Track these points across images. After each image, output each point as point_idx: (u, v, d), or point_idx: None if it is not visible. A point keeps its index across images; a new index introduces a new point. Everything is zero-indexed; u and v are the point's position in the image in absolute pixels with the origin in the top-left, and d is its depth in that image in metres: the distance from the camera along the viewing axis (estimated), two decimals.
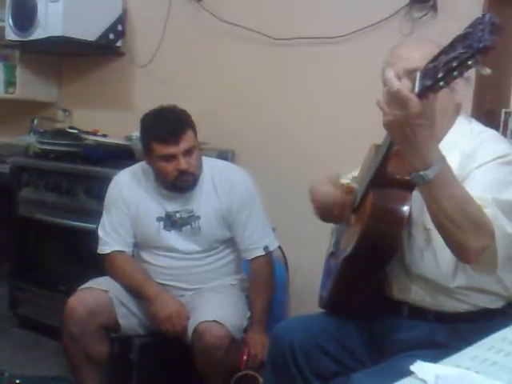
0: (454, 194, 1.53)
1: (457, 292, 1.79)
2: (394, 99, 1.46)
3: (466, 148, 1.76)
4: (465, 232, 1.54)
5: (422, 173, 1.51)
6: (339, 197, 1.98)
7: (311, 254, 2.83)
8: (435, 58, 1.37)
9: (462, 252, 1.60)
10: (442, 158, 1.52)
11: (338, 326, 1.98)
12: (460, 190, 1.56)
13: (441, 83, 1.36)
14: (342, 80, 3.12)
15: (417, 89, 1.43)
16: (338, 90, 3.14)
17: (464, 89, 1.79)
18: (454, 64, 1.31)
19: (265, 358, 2.23)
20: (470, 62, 1.28)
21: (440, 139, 1.78)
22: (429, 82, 1.39)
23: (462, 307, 1.81)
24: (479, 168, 1.69)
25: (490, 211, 1.58)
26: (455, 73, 1.32)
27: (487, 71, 1.39)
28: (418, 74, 1.43)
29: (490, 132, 1.85)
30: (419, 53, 1.74)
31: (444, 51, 1.34)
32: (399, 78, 1.48)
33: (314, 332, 1.97)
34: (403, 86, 1.45)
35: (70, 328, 2.53)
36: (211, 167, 2.73)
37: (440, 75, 1.35)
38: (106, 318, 2.58)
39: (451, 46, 1.32)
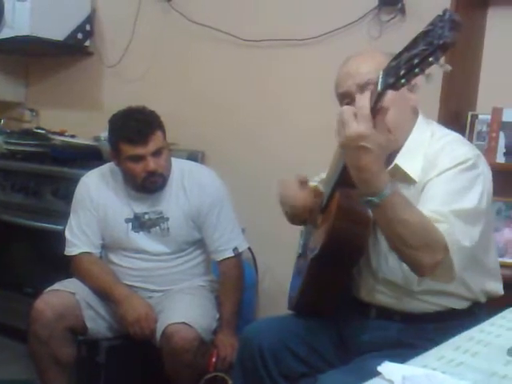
0: (405, 218, 1.53)
1: (421, 295, 1.81)
2: (359, 114, 1.48)
3: (428, 153, 1.76)
4: (417, 250, 1.55)
5: (369, 198, 1.52)
6: (309, 201, 1.98)
7: (281, 255, 2.83)
8: (398, 56, 1.39)
9: (415, 268, 1.61)
10: (391, 184, 1.52)
11: (307, 328, 1.99)
12: (411, 213, 1.55)
13: (402, 80, 1.37)
14: (311, 82, 3.13)
15: (379, 87, 1.44)
16: (307, 92, 3.15)
17: (419, 91, 1.80)
18: (416, 61, 1.32)
19: (234, 359, 2.23)
20: (430, 59, 1.30)
21: (402, 143, 1.79)
22: (391, 80, 1.40)
23: (428, 308, 1.82)
24: (439, 176, 1.69)
25: (445, 226, 1.59)
26: (417, 70, 1.33)
27: (447, 68, 1.42)
28: (381, 73, 1.44)
29: (452, 135, 1.84)
30: (367, 66, 1.75)
31: (406, 49, 1.36)
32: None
33: (282, 334, 1.97)
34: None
35: (36, 331, 2.50)
36: (181, 168, 2.72)
37: (402, 72, 1.36)
38: (73, 321, 2.55)
39: (413, 43, 1.34)
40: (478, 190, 1.68)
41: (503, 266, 1.91)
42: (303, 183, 1.99)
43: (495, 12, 2.69)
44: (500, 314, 1.52)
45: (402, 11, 2.85)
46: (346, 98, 1.78)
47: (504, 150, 2.54)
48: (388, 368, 1.14)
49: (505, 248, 2.49)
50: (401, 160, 1.76)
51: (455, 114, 2.55)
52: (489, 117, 2.57)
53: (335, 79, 1.84)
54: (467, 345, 1.31)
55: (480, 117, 2.62)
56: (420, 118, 1.85)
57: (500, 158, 2.53)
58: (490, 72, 2.72)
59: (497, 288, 1.89)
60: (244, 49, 3.30)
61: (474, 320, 1.52)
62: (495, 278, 1.89)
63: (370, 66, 1.72)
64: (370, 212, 1.71)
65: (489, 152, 2.49)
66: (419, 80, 1.69)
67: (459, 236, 1.60)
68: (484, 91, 2.73)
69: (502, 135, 2.54)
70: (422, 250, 1.55)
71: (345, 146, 1.52)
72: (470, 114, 2.65)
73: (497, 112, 2.55)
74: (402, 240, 1.55)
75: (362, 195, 1.54)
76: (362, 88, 1.70)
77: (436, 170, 1.70)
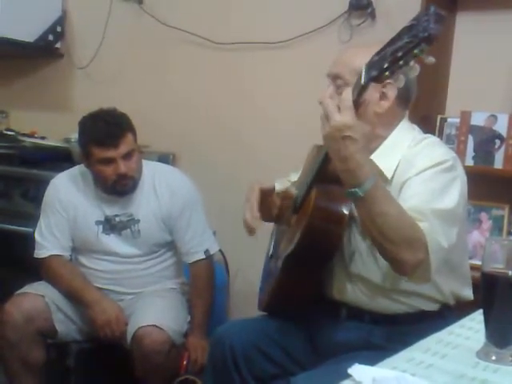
0: (387, 211, 1.56)
1: (394, 294, 1.82)
2: (341, 107, 1.51)
3: (406, 155, 1.78)
4: (398, 247, 1.57)
5: (353, 190, 1.54)
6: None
7: (252, 257, 2.83)
8: (381, 50, 1.41)
9: (397, 266, 1.63)
10: (374, 176, 1.55)
11: (279, 329, 1.98)
12: (393, 207, 1.58)
13: (386, 73, 1.40)
14: (283, 84, 3.15)
15: (362, 80, 1.46)
16: (278, 94, 3.17)
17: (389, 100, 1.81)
18: (400, 54, 1.35)
19: (205, 362, 2.22)
20: (415, 51, 1.33)
21: (384, 138, 1.81)
22: (374, 73, 1.43)
23: (399, 308, 1.83)
24: (418, 175, 1.70)
25: (426, 225, 1.60)
26: (401, 62, 1.36)
27: (431, 60, 1.46)
28: (364, 67, 1.46)
29: (431, 138, 1.87)
30: (361, 56, 1.76)
31: (390, 43, 1.38)
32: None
33: (254, 335, 1.97)
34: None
35: (6, 334, 2.48)
36: (152, 171, 2.71)
37: (386, 65, 1.39)
38: (42, 324, 2.53)
39: (397, 37, 1.36)
40: (456, 192, 1.70)
41: (472, 268, 1.92)
42: (267, 193, 1.99)
43: (464, 16, 2.72)
44: (469, 316, 1.53)
45: (372, 15, 2.88)
46: (337, 79, 1.78)
47: (473, 154, 2.57)
48: (358, 370, 1.14)
49: (473, 250, 2.52)
50: (376, 157, 1.77)
51: (424, 118, 2.57)
52: (458, 120, 2.60)
53: (333, 59, 1.84)
54: (436, 347, 1.33)
55: (449, 120, 2.65)
56: (404, 122, 1.86)
57: (469, 161, 2.56)
58: (458, 76, 2.75)
59: (468, 293, 1.90)
60: (216, 52, 3.31)
61: (443, 322, 1.54)
62: (467, 283, 1.91)
63: (363, 57, 1.71)
64: (344, 211, 1.72)
65: (458, 155, 2.50)
66: (391, 90, 1.72)
67: (438, 236, 1.62)
68: (453, 95, 2.76)
69: (470, 138, 2.57)
70: (404, 247, 1.56)
71: (330, 137, 1.54)
72: (439, 117, 2.67)
73: (465, 115, 2.58)
74: (383, 234, 1.57)
75: (345, 187, 1.56)
76: (355, 73, 1.70)
77: (414, 169, 1.72)
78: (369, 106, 1.69)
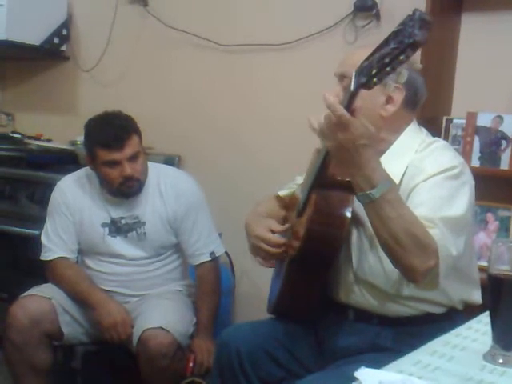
0: (399, 214, 1.55)
1: (400, 299, 1.81)
2: (338, 123, 1.50)
3: (414, 159, 1.77)
4: (409, 252, 1.56)
5: (367, 192, 1.54)
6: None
7: None
8: (370, 56, 1.41)
9: (407, 272, 1.62)
10: (388, 179, 1.56)
11: (286, 332, 1.98)
12: (405, 211, 1.58)
13: (374, 79, 1.40)
14: (288, 86, 3.15)
15: (352, 87, 1.46)
16: (284, 96, 3.16)
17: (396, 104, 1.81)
18: (387, 60, 1.35)
19: (211, 364, 2.22)
20: (401, 57, 1.34)
21: (391, 142, 1.80)
22: (363, 79, 1.43)
23: (406, 311, 1.82)
24: (426, 181, 1.70)
25: (436, 231, 1.60)
26: (388, 68, 1.36)
27: (418, 66, 1.45)
28: (354, 73, 1.46)
29: (439, 142, 1.86)
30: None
31: (378, 49, 1.39)
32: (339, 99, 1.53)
33: (261, 338, 1.96)
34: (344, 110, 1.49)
35: (12, 337, 2.48)
36: (157, 173, 2.71)
37: (374, 72, 1.39)
38: (49, 326, 2.53)
39: (384, 43, 1.37)
40: (465, 199, 1.69)
41: (478, 269, 1.92)
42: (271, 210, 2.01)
43: (469, 17, 2.71)
44: (476, 318, 1.53)
45: (377, 17, 2.87)
46: (344, 78, 1.78)
47: (479, 154, 2.56)
48: (364, 373, 1.14)
49: (480, 252, 2.51)
50: (384, 162, 1.76)
51: (430, 119, 2.55)
52: (463, 121, 2.59)
53: (341, 59, 1.85)
54: (443, 349, 1.32)
55: (455, 121, 2.64)
56: (412, 125, 1.85)
57: (475, 162, 2.55)
58: (464, 76, 2.74)
59: (476, 298, 1.88)
60: (221, 54, 3.31)
61: (451, 324, 1.53)
62: (476, 288, 1.89)
63: None
64: (345, 214, 1.72)
65: (464, 156, 2.49)
66: (397, 95, 1.72)
67: (448, 243, 1.61)
68: (459, 96, 2.75)
69: (476, 139, 2.56)
70: (415, 253, 1.56)
71: (341, 149, 1.53)
72: (444, 118, 2.66)
73: (471, 116, 2.57)
74: (395, 238, 1.56)
75: (358, 190, 1.56)
76: None
77: (422, 175, 1.71)
78: (365, 111, 1.68)
